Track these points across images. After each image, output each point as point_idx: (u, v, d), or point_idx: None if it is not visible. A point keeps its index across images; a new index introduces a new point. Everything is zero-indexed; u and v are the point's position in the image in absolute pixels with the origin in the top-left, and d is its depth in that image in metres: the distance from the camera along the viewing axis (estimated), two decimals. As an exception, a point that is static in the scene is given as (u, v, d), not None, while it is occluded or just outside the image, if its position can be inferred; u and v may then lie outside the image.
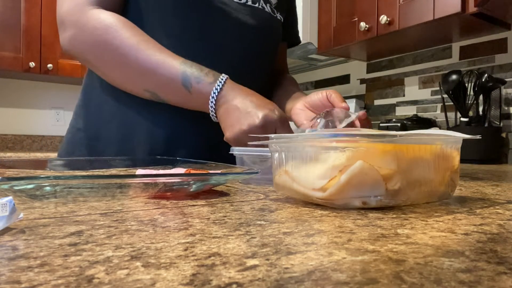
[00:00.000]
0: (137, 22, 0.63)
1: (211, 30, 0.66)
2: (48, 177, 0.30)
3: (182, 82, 0.58)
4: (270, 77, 0.81)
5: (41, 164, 0.55)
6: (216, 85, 0.57)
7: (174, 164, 0.53)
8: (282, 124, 0.54)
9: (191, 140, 0.68)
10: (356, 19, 1.40)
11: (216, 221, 0.27)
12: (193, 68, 0.59)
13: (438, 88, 1.45)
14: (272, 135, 0.37)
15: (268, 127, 0.53)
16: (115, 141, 0.67)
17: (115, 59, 0.60)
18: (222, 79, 0.58)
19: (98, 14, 0.60)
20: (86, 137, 0.69)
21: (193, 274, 0.16)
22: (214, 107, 0.58)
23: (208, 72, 0.58)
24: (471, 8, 1.07)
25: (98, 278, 0.16)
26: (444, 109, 1.32)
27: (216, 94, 0.57)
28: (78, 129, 0.71)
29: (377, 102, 1.72)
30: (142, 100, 0.65)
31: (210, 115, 0.59)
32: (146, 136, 0.66)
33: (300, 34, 1.55)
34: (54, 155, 2.00)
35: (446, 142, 0.35)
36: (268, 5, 0.73)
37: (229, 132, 0.56)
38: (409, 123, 1.36)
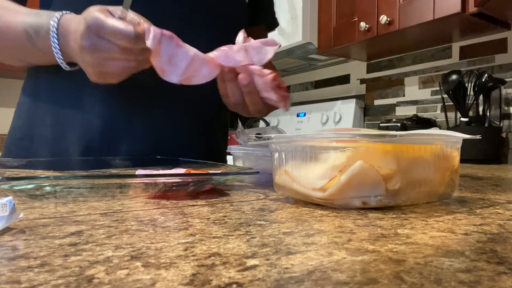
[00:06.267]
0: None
1: (153, 12, 0.60)
2: (48, 177, 0.30)
3: (26, 37, 0.52)
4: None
5: (40, 164, 0.55)
6: (51, 31, 0.50)
7: (174, 164, 0.53)
8: (97, 36, 0.45)
9: (132, 136, 0.63)
10: (356, 19, 1.40)
11: (216, 221, 0.27)
12: (32, 17, 0.52)
13: (438, 88, 1.45)
14: (273, 135, 0.37)
15: (94, 44, 0.46)
16: (48, 141, 0.63)
17: None
18: (56, 18, 0.50)
19: None
20: (18, 137, 0.66)
21: (193, 274, 0.16)
22: (60, 53, 0.51)
23: (45, 17, 0.51)
24: (471, 8, 1.07)
25: (98, 278, 0.16)
26: (444, 109, 1.32)
27: (55, 38, 0.50)
28: (13, 128, 0.68)
29: (377, 102, 1.72)
30: (76, 96, 0.61)
31: (64, 67, 0.53)
32: (81, 134, 0.61)
33: (300, 34, 1.57)
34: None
35: (446, 142, 0.35)
36: None
37: (88, 76, 0.50)
38: (409, 123, 1.36)
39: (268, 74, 0.48)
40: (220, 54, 0.49)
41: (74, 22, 0.49)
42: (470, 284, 0.15)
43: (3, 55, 0.60)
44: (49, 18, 0.50)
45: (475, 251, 0.20)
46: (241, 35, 0.52)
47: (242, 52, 0.49)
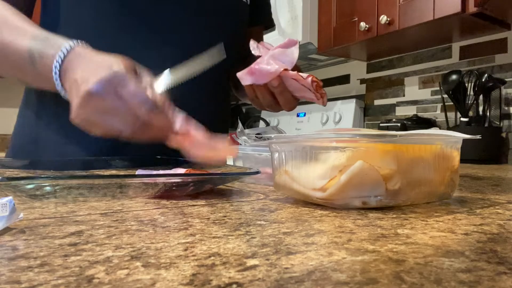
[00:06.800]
0: (67, 11, 0.60)
1: (157, 16, 0.58)
2: (48, 177, 0.30)
3: (29, 59, 0.49)
4: (235, 67, 0.74)
5: (41, 164, 0.55)
6: (58, 56, 0.46)
7: (174, 164, 0.53)
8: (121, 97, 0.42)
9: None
10: (356, 19, 1.40)
11: (216, 221, 0.27)
12: (39, 41, 0.49)
13: (438, 88, 1.45)
14: (273, 135, 0.37)
15: (93, 106, 0.43)
16: (54, 144, 0.62)
17: None
18: (65, 48, 0.47)
19: None
20: (24, 141, 0.65)
21: (193, 274, 0.16)
22: (60, 83, 0.47)
23: (54, 43, 0.48)
24: (471, 8, 1.07)
25: (98, 278, 0.16)
26: (444, 109, 1.32)
27: (58, 67, 0.46)
28: (18, 131, 0.67)
29: (377, 102, 1.72)
30: None
31: (62, 95, 0.49)
32: (90, 138, 0.59)
33: (300, 34, 1.57)
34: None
35: (446, 142, 0.35)
36: None
37: (72, 113, 0.45)
38: (409, 123, 1.35)
39: (307, 77, 0.48)
40: (255, 74, 0.51)
41: (88, 60, 0.46)
42: (470, 284, 0.15)
43: (4, 72, 0.57)
44: (58, 48, 0.47)
45: (475, 251, 0.20)
46: (253, 44, 0.53)
47: (272, 61, 0.50)
